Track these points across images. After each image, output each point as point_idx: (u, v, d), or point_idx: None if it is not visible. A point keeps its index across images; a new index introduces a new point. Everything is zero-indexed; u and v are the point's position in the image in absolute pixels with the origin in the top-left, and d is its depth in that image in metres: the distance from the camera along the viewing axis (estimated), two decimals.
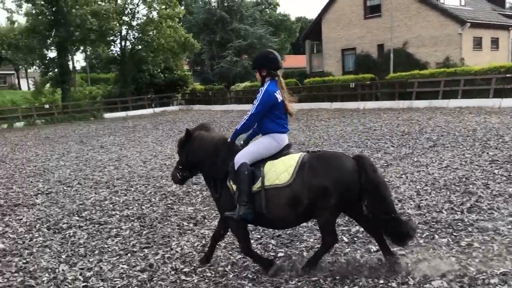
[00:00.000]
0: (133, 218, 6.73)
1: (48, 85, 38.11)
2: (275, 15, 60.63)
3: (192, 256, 5.01)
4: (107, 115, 34.04)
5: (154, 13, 35.41)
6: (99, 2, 33.82)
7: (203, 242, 5.44)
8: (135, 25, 36.43)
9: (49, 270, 4.77)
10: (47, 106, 33.34)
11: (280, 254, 4.85)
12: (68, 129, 25.64)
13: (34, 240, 5.90)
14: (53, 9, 32.47)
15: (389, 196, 4.19)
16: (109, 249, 5.39)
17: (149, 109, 36.30)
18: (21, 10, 33.67)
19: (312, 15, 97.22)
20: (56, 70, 34.84)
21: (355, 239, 5.16)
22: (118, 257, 5.09)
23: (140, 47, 36.85)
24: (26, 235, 6.11)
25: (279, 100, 4.31)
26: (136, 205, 7.55)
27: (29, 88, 54.72)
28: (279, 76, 4.43)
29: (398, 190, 7.09)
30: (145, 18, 36.03)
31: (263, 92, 4.27)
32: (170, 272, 4.61)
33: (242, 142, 4.46)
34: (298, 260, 4.54)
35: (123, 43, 37.14)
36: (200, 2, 43.64)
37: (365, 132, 14.06)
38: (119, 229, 6.21)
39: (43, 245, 5.64)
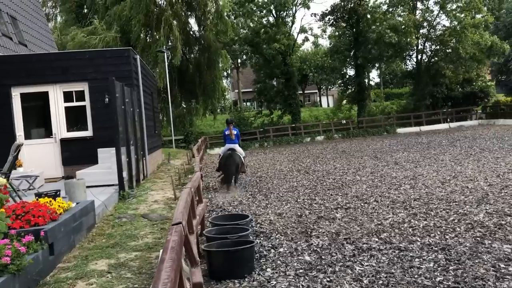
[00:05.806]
0: (436, 248, 6.09)
1: (344, 101, 40.77)
2: None
3: None
4: (400, 130, 33.82)
5: (456, 23, 33.33)
6: (397, 18, 34.12)
7: None
8: (433, 36, 35.12)
9: None
10: (344, 121, 35.64)
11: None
12: (363, 143, 26.52)
13: (335, 257, 5.97)
14: (354, 30, 34.58)
15: (233, 167, 12.15)
16: (415, 282, 4.93)
17: (444, 124, 34.36)
18: (325, 34, 37.23)
19: None
20: (354, 87, 36.96)
21: None
22: None
23: (437, 58, 35.32)
24: (327, 251, 6.26)
25: (226, 133, 12.69)
26: (438, 232, 6.86)
27: (328, 105, 59.81)
28: (229, 125, 12.75)
29: None
30: (444, 29, 34.37)
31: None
32: None
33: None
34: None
35: (419, 57, 36.36)
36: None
37: None
38: (421, 259, 5.68)
39: (344, 264, 5.63)
